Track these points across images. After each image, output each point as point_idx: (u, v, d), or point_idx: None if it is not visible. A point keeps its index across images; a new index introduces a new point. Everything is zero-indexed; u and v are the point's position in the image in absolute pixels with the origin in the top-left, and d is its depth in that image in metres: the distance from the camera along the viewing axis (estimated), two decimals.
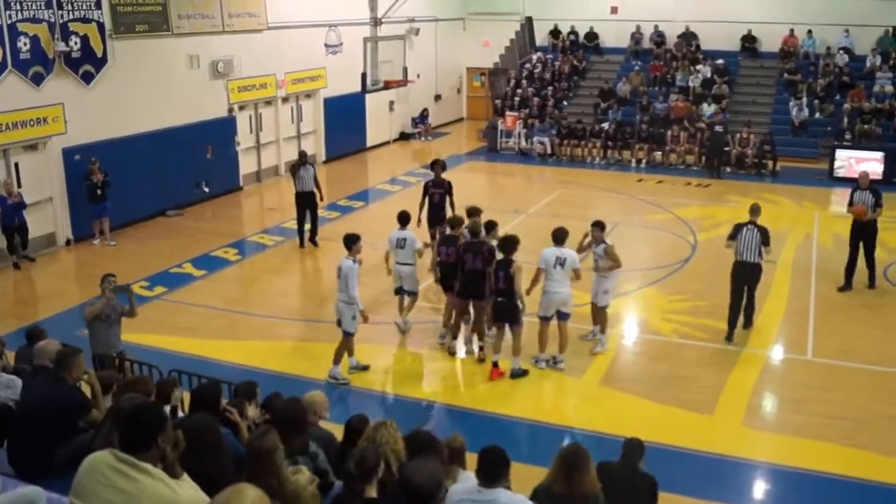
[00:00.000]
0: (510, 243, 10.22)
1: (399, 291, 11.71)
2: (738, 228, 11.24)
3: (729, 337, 11.25)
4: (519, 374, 10.31)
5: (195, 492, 3.70)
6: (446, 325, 11.31)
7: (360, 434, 5.29)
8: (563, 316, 10.45)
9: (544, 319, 10.47)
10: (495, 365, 10.36)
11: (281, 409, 5.63)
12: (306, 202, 15.56)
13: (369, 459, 4.27)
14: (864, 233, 12.96)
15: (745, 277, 11.21)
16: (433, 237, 13.24)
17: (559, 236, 10.35)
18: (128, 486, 3.49)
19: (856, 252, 13.05)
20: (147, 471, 3.51)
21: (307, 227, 15.72)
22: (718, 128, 22.27)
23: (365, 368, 10.44)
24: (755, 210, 11.39)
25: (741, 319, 11.39)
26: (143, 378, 6.96)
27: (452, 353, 11.00)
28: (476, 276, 10.48)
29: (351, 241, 10.01)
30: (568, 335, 10.59)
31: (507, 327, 10.43)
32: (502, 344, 10.45)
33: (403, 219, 11.64)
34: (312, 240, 15.78)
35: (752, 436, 8.96)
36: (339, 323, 10.17)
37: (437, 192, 13.71)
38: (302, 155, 16.13)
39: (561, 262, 10.16)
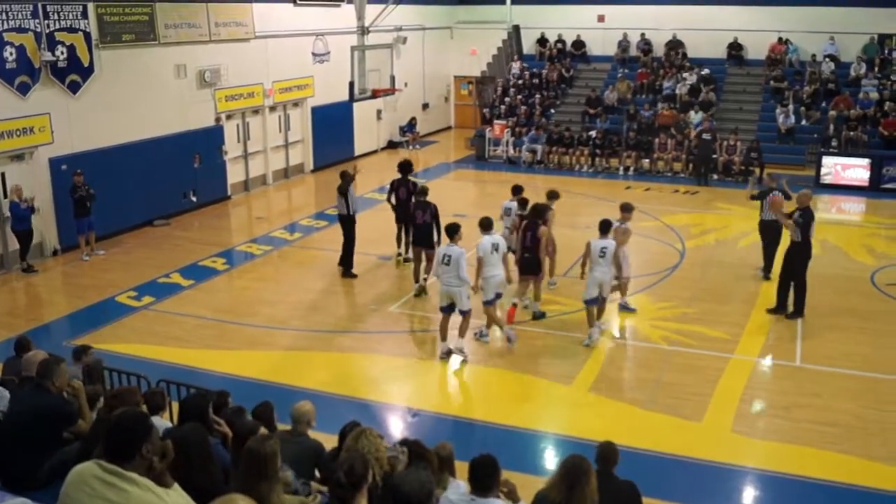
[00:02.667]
0: (540, 210, 12.14)
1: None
2: (762, 194, 13.97)
3: (765, 276, 14.05)
4: (539, 315, 12.25)
5: (185, 501, 3.68)
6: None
7: None
8: (497, 296, 11.30)
9: (489, 304, 11.17)
10: (514, 305, 12.13)
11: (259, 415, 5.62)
12: (352, 225, 14.40)
13: (358, 467, 4.22)
14: (769, 234, 13.90)
15: (768, 233, 13.92)
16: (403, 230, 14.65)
17: (485, 224, 11.21)
18: (115, 497, 3.46)
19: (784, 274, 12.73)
20: (134, 480, 3.48)
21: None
22: (706, 135, 22.38)
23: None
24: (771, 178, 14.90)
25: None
26: (130, 389, 6.89)
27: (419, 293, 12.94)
28: (426, 229, 13.05)
29: (454, 230, 10.85)
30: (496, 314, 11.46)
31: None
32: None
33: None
34: (348, 269, 14.42)
35: (741, 442, 8.97)
36: (446, 309, 10.90)
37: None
38: (344, 175, 14.40)
39: (496, 247, 11.07)
